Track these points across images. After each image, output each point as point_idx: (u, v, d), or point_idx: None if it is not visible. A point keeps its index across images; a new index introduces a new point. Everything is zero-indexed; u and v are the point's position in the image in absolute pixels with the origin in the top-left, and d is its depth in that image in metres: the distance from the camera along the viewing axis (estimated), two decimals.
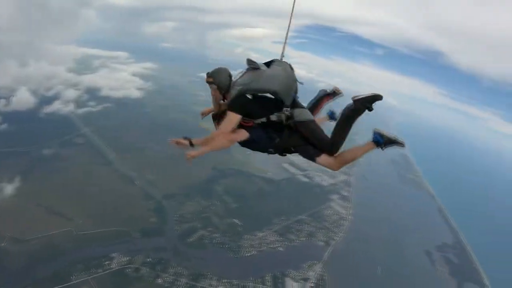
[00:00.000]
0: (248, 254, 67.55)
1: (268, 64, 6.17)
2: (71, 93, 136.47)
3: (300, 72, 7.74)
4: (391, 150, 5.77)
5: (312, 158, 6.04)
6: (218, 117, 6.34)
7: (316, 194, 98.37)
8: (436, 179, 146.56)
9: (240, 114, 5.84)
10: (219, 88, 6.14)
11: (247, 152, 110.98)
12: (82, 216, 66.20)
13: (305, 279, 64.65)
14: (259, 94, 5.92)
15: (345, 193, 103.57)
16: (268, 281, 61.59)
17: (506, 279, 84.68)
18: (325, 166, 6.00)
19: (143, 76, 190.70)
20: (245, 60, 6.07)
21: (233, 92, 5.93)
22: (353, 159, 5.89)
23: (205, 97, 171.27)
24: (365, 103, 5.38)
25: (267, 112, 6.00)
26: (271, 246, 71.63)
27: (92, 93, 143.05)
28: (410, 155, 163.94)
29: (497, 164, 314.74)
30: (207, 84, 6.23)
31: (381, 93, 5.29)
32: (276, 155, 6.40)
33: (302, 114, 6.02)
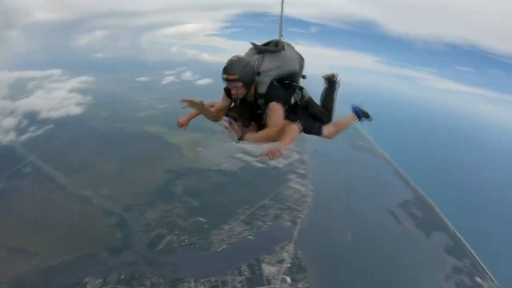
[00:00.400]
0: (220, 249, 68.19)
1: (266, 45, 5.94)
2: (10, 121, 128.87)
3: None
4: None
5: (318, 132, 6.47)
6: (241, 117, 5.63)
7: (273, 177, 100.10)
8: (386, 142, 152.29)
9: (282, 102, 5.51)
10: (246, 83, 5.34)
11: (196, 149, 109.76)
12: (46, 248, 64.01)
13: (281, 261, 66.18)
14: (281, 78, 5.72)
15: (302, 171, 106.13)
16: (245, 271, 62.62)
17: (469, 222, 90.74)
18: (326, 137, 6.65)
19: (81, 91, 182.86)
20: (250, 44, 5.96)
21: (266, 80, 5.53)
22: (344, 128, 7.29)
23: (147, 102, 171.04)
24: (333, 78, 7.15)
25: (290, 95, 5.94)
26: (240, 236, 72.65)
27: (31, 117, 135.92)
28: (356, 124, 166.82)
29: (443, 119, 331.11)
30: (226, 83, 5.44)
31: (334, 71, 7.12)
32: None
33: (307, 92, 6.38)
